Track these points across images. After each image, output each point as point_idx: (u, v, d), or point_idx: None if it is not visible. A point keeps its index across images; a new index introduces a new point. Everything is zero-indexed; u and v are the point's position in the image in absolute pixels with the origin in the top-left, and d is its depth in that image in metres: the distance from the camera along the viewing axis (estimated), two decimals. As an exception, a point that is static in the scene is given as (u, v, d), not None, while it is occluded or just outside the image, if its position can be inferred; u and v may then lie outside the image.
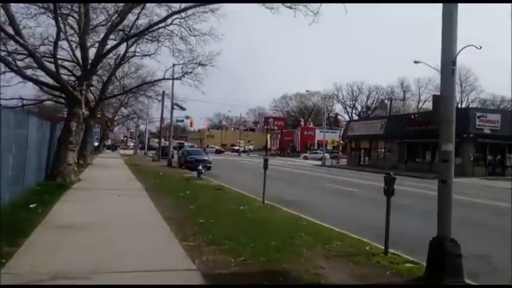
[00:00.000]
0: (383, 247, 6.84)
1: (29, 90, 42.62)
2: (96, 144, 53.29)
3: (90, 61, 15.43)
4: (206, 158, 28.85)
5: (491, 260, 7.04)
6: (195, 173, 22.33)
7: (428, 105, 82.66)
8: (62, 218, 8.10)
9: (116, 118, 56.92)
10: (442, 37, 5.60)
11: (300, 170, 34.89)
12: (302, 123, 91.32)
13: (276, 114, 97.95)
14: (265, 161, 11.98)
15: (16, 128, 9.13)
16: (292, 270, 5.28)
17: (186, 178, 19.62)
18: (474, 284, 5.21)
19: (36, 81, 15.68)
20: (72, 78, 23.90)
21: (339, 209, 12.99)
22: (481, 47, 6.49)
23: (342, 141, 57.36)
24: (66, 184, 13.30)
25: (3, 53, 14.60)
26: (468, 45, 7.19)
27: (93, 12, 18.45)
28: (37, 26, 17.27)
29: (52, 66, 14.06)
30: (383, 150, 44.78)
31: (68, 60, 24.56)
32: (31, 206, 8.91)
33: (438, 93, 5.89)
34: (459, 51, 5.68)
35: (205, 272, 5.07)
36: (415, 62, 33.43)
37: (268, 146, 79.09)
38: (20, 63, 19.70)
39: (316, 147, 76.10)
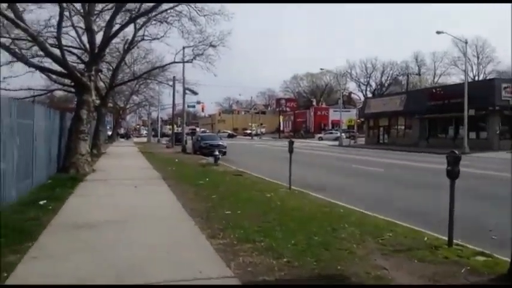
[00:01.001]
0: (442, 236, 5.91)
1: (38, 81, 42.09)
2: (109, 133, 53.03)
3: (97, 45, 14.49)
4: (221, 143, 28.02)
5: None
6: (210, 159, 21.55)
7: (445, 79, 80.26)
8: (75, 216, 7.31)
9: (128, 106, 56.40)
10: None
11: (318, 151, 33.85)
12: (314, 103, 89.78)
13: (287, 96, 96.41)
14: (291, 143, 11.01)
15: (19, 118, 8.31)
16: (350, 274, 4.36)
17: (203, 164, 18.81)
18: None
19: (42, 68, 14.87)
20: (82, 66, 23.13)
21: (371, 192, 12.01)
22: None
23: (359, 120, 55.81)
24: (79, 176, 12.57)
25: (4, 40, 13.71)
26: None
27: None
28: (39, 8, 16.28)
29: (58, 52, 13.17)
30: (403, 127, 43.38)
31: (75, 48, 23.77)
32: (41, 202, 8.15)
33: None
34: None
35: (245, 279, 4.20)
36: (438, 32, 31.60)
37: (281, 128, 77.95)
38: (26, 53, 18.99)
39: (330, 128, 74.73)
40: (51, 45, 13.61)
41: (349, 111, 69.71)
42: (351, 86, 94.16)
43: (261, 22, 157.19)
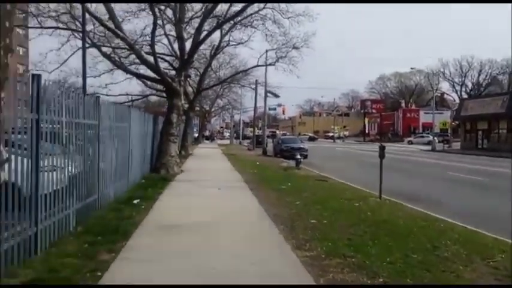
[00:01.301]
0: None
1: (135, 87, 45.84)
2: (196, 135, 55.84)
3: (186, 52, 15.16)
4: (302, 146, 27.61)
5: None
6: (291, 162, 21.32)
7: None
8: (164, 216, 7.56)
9: (213, 110, 58.83)
10: None
11: (408, 157, 31.62)
12: (403, 105, 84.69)
13: (373, 97, 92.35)
14: (382, 148, 10.23)
15: (117, 121, 8.89)
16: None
17: (284, 168, 18.63)
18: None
19: (138, 75, 16.01)
20: (173, 72, 24.58)
21: (474, 204, 10.72)
22: None
23: (453, 123, 51.13)
24: (169, 176, 13.20)
25: (106, 50, 14.99)
26: None
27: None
28: (135, 17, 17.55)
29: (151, 59, 14.03)
30: (505, 131, 38.71)
31: (167, 55, 25.31)
32: (135, 201, 8.61)
33: None
34: None
35: (337, 300, 3.83)
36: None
37: (366, 131, 74.79)
38: (125, 61, 20.69)
39: (420, 131, 69.86)
40: (146, 53, 14.55)
41: (442, 113, 64.29)
42: (444, 86, 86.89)
43: (345, 21, 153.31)
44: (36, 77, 4.98)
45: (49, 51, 19.12)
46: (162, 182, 11.86)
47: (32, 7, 15.48)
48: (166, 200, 9.27)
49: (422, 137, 59.13)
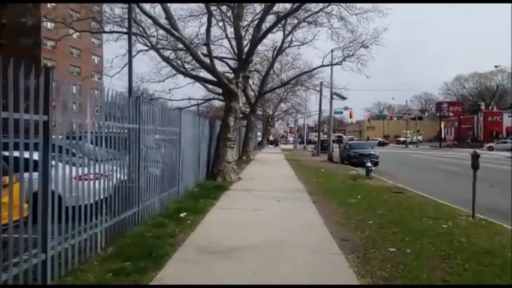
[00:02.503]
0: None
1: (198, 91, 46.44)
2: (260, 139, 55.36)
3: (245, 52, 14.19)
4: (372, 152, 25.41)
5: None
6: (360, 170, 19.46)
7: None
8: (211, 234, 6.48)
9: (276, 114, 57.94)
10: None
11: (495, 165, 27.77)
12: (483, 107, 76.98)
13: (448, 99, 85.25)
14: (475, 157, 8.28)
15: (164, 125, 8.06)
16: None
17: (352, 176, 16.84)
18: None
19: (195, 77, 15.39)
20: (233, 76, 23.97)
21: None
22: None
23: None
24: (225, 184, 12.26)
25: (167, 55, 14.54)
26: None
27: None
28: (192, 17, 17.03)
29: (208, 61, 13.26)
30: None
31: (228, 58, 24.76)
32: (182, 214, 7.68)
33: None
34: None
35: None
36: None
37: (442, 136, 68.91)
38: (187, 67, 20.40)
39: (504, 136, 62.75)
40: (204, 55, 13.80)
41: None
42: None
43: (418, 18, 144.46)
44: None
45: (115, 57, 19.47)
46: (217, 190, 10.91)
47: (95, 12, 15.59)
48: (217, 213, 8.23)
49: (505, 142, 52.83)
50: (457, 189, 14.50)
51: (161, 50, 15.89)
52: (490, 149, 52.29)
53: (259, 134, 60.82)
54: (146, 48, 16.08)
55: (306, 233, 6.76)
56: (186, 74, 15.13)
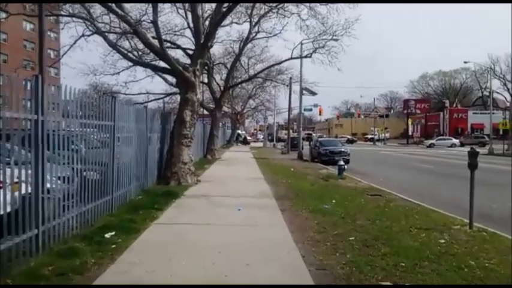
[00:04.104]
0: None
1: (158, 85, 43.86)
2: (227, 138, 53.40)
3: (203, 33, 12.31)
4: (343, 150, 24.18)
5: None
6: (331, 168, 18.14)
7: None
8: (136, 269, 4.63)
9: (245, 111, 56.20)
10: None
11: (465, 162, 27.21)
12: (447, 105, 78.52)
13: (414, 97, 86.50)
14: (474, 154, 6.86)
15: (87, 118, 6.15)
16: None
17: (324, 176, 15.39)
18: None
19: (145, 65, 13.38)
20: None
21: None
22: None
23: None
24: (178, 189, 10.38)
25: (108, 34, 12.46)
26: None
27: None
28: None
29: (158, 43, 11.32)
30: None
31: (190, 49, 22.79)
32: (107, 235, 5.81)
33: None
34: None
35: None
36: None
37: (410, 133, 69.55)
38: (145, 58, 18.26)
39: (470, 132, 64.03)
40: (153, 38, 11.83)
41: (493, 113, 58.34)
42: (495, 84, 79.74)
43: (386, 21, 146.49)
44: None
45: (62, 47, 17.18)
46: (165, 198, 9.03)
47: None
48: (155, 231, 6.39)
49: (444, 139, 54.84)
50: (437, 190, 13.34)
51: (108, 35, 13.78)
52: (432, 145, 52.87)
53: (228, 131, 58.93)
54: (89, 33, 13.96)
55: (270, 259, 5.05)
56: (134, 61, 13.12)
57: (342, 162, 15.92)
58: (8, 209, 4.39)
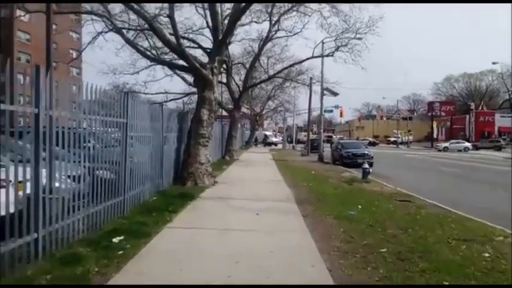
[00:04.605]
0: None
1: (177, 85, 43.80)
2: (246, 139, 52.96)
3: (222, 31, 11.87)
4: (366, 152, 23.43)
5: None
6: (355, 171, 17.41)
7: None
8: (142, 279, 4.18)
9: (264, 112, 55.64)
10: None
11: (495, 166, 25.95)
12: (473, 107, 76.01)
13: (438, 99, 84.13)
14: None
15: (100, 114, 5.74)
16: None
17: (347, 180, 14.68)
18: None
19: (162, 62, 13.02)
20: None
21: None
22: None
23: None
24: (194, 191, 9.93)
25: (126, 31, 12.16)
26: None
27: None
28: None
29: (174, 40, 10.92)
30: None
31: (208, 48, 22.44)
32: (115, 239, 5.37)
33: None
34: None
35: None
36: None
37: (434, 135, 67.52)
38: (164, 58, 17.99)
39: (497, 136, 61.65)
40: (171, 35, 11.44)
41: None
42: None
43: (411, 21, 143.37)
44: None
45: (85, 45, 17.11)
46: (181, 200, 8.59)
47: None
48: (168, 236, 5.92)
49: (458, 143, 52.75)
50: (469, 196, 12.53)
51: (126, 33, 13.52)
52: (445, 149, 50.85)
53: (246, 132, 58.51)
54: (106, 30, 13.73)
55: (292, 272, 4.49)
56: (152, 58, 12.79)
57: (366, 165, 15.18)
58: (12, 210, 4.01)
